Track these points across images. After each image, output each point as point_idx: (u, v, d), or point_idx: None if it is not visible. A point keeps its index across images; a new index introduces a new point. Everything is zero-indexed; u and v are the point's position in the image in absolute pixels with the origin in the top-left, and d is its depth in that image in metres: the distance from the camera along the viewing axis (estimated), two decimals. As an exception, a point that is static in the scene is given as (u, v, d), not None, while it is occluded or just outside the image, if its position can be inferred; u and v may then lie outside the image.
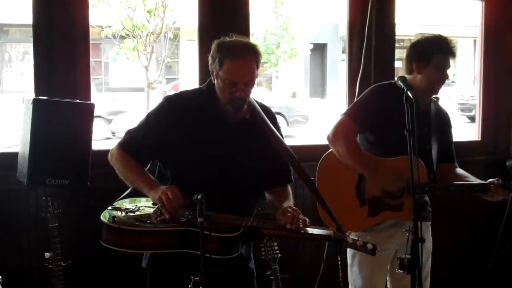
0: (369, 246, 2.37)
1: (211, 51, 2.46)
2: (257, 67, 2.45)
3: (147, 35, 10.33)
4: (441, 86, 2.96)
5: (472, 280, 4.04)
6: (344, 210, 2.78)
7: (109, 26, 10.35)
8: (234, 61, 2.38)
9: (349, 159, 2.95)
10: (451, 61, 2.94)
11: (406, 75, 3.01)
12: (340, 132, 2.95)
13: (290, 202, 2.56)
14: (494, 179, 2.90)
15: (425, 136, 2.98)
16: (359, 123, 2.97)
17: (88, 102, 3.29)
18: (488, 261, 3.93)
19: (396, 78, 2.84)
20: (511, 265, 4.14)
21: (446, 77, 2.93)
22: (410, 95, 2.58)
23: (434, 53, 2.91)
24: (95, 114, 3.16)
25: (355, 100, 3.23)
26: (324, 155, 3.08)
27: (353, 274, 3.14)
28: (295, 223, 2.34)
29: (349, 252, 3.16)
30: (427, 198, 3.11)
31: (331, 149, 3.03)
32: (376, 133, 3.02)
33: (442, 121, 3.15)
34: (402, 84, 2.73)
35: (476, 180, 3.02)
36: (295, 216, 2.36)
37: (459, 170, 3.14)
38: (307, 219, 2.41)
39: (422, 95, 2.96)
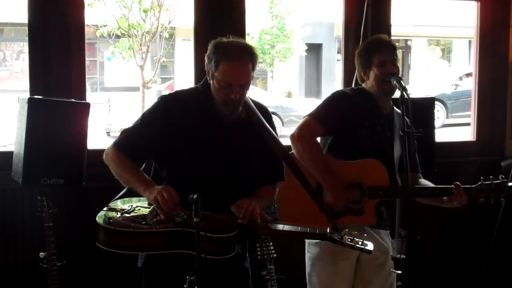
0: (366, 244, 2.32)
1: (208, 51, 2.45)
2: (253, 69, 2.44)
3: (142, 35, 10.33)
4: (390, 84, 2.82)
5: (465, 282, 4.06)
6: (305, 216, 2.71)
7: (105, 25, 10.35)
8: (230, 63, 2.37)
9: (309, 162, 2.87)
10: (392, 55, 2.93)
11: (362, 85, 3.02)
12: (305, 133, 2.89)
13: (262, 200, 2.51)
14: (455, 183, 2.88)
15: (389, 141, 2.95)
16: (324, 126, 2.92)
17: (84, 101, 3.28)
18: (482, 262, 3.96)
19: (391, 79, 2.82)
20: (504, 267, 4.15)
21: (392, 70, 2.87)
22: (405, 95, 2.57)
23: (371, 53, 2.93)
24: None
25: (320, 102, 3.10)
26: None
27: (312, 284, 3.02)
28: (246, 217, 2.33)
29: (308, 260, 3.04)
30: (384, 209, 3.00)
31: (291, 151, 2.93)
32: (338, 137, 2.97)
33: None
34: (397, 85, 2.72)
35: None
36: (247, 210, 2.34)
37: (423, 181, 3.06)
38: (268, 217, 2.39)
39: (381, 99, 2.95)
